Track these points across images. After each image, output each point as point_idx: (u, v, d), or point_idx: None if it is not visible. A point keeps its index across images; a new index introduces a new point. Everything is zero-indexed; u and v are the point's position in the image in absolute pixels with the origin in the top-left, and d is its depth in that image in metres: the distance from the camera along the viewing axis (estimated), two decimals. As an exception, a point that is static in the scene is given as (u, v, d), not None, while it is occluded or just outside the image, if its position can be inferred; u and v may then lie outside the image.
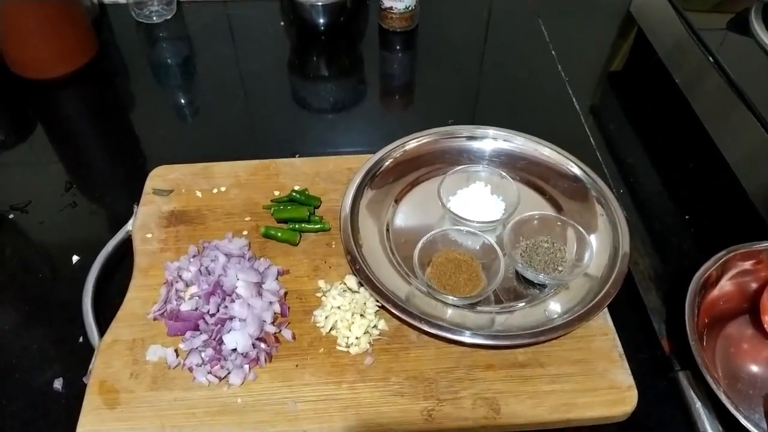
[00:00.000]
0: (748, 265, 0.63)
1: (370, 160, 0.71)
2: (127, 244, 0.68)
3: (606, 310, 0.61)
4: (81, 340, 0.62)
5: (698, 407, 0.56)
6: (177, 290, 0.61)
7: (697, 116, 0.79)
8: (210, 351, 0.56)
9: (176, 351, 0.58)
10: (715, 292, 0.62)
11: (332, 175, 0.74)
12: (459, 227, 0.66)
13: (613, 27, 1.03)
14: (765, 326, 0.61)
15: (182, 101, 0.92)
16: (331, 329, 0.60)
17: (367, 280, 0.60)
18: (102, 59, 0.94)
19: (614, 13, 1.04)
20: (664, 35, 0.88)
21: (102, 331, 0.60)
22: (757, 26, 0.77)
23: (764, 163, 0.68)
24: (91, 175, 0.80)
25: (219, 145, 0.84)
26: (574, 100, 0.89)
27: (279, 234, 0.67)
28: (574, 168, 0.71)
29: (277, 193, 0.72)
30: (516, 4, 1.08)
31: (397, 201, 0.71)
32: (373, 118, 0.89)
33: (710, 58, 0.76)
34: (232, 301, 0.59)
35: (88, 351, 0.59)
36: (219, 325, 0.58)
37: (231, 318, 0.58)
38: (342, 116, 0.89)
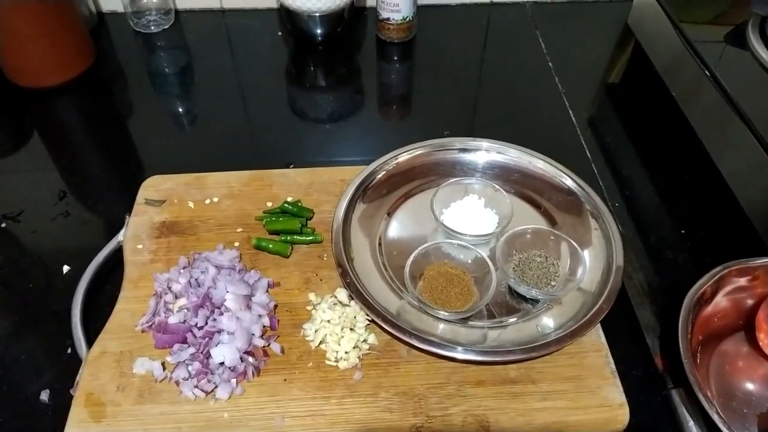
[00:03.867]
0: (743, 281, 0.62)
1: (362, 172, 0.70)
2: (118, 254, 0.67)
3: (599, 326, 0.60)
4: (69, 351, 0.61)
5: (691, 426, 0.55)
6: (166, 302, 0.60)
7: (694, 129, 0.78)
8: (197, 364, 0.56)
9: (163, 364, 0.57)
10: (710, 308, 0.61)
11: (326, 187, 0.74)
12: (451, 240, 0.66)
13: (611, 39, 1.03)
14: (760, 344, 0.60)
15: (179, 110, 0.92)
16: (320, 343, 0.59)
17: (357, 293, 0.60)
18: (99, 68, 0.95)
19: (612, 25, 1.04)
20: (662, 48, 0.88)
21: (91, 343, 0.60)
22: (753, 40, 0.77)
23: (760, 178, 0.67)
24: (85, 185, 0.79)
25: (215, 154, 0.83)
26: (570, 112, 0.89)
27: (270, 246, 0.66)
28: (568, 181, 0.70)
29: (269, 204, 0.71)
30: (514, 15, 1.08)
31: (389, 214, 0.71)
32: (370, 128, 0.89)
33: (707, 72, 0.75)
34: (221, 313, 0.58)
35: (76, 362, 0.59)
36: (207, 338, 0.57)
37: (219, 331, 0.58)
38: (339, 126, 0.89)
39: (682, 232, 0.73)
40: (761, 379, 0.59)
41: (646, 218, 0.75)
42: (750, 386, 0.59)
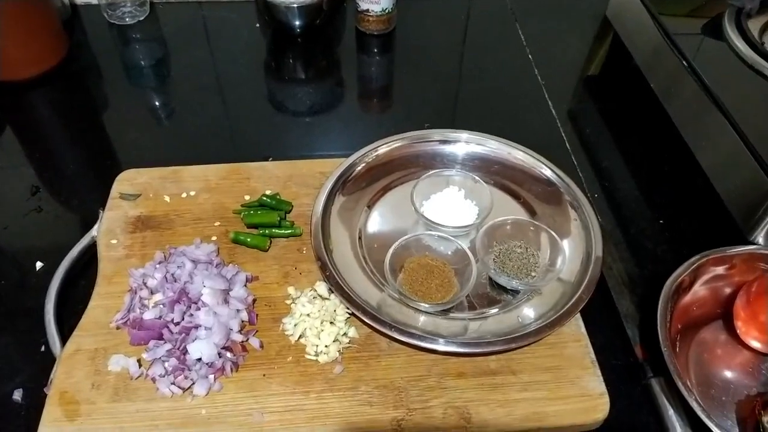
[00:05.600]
0: (721, 270, 0.63)
1: (342, 164, 0.70)
2: (92, 249, 0.66)
3: (579, 316, 0.60)
4: (43, 348, 0.60)
5: (671, 414, 0.55)
6: (141, 298, 0.59)
7: (672, 120, 0.79)
8: (174, 361, 0.55)
9: (139, 361, 0.56)
10: (689, 297, 0.62)
11: (305, 179, 0.73)
12: (432, 232, 0.65)
13: (590, 31, 1.03)
14: (738, 332, 0.60)
15: (155, 103, 0.91)
16: (300, 337, 0.59)
17: (337, 286, 0.59)
18: (73, 60, 0.93)
19: (591, 17, 1.04)
20: (640, 40, 0.88)
21: (65, 340, 0.58)
22: (730, 31, 0.77)
23: (737, 168, 0.68)
24: (58, 179, 0.78)
25: (192, 148, 0.82)
26: (550, 104, 0.89)
27: (248, 239, 0.65)
28: (548, 172, 0.70)
29: (247, 197, 0.70)
30: (494, 8, 1.07)
31: (369, 206, 0.70)
32: (351, 121, 0.88)
33: (684, 63, 0.76)
34: (198, 309, 0.57)
35: (50, 360, 0.58)
36: (183, 334, 0.56)
37: (196, 326, 0.57)
38: (319, 119, 0.88)
39: (661, 222, 0.74)
40: (739, 367, 0.60)
41: (625, 209, 0.75)
42: (728, 374, 0.59)
